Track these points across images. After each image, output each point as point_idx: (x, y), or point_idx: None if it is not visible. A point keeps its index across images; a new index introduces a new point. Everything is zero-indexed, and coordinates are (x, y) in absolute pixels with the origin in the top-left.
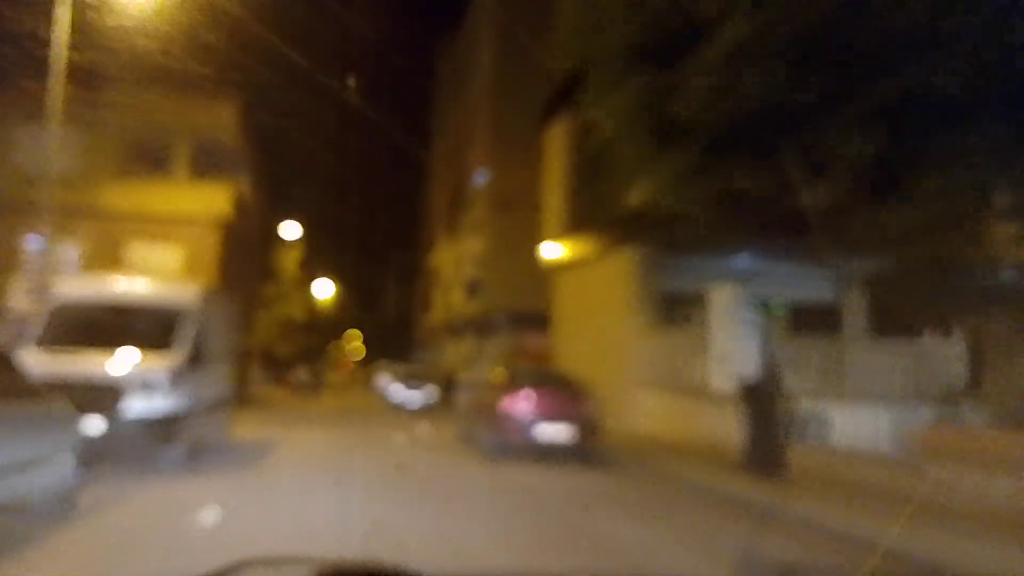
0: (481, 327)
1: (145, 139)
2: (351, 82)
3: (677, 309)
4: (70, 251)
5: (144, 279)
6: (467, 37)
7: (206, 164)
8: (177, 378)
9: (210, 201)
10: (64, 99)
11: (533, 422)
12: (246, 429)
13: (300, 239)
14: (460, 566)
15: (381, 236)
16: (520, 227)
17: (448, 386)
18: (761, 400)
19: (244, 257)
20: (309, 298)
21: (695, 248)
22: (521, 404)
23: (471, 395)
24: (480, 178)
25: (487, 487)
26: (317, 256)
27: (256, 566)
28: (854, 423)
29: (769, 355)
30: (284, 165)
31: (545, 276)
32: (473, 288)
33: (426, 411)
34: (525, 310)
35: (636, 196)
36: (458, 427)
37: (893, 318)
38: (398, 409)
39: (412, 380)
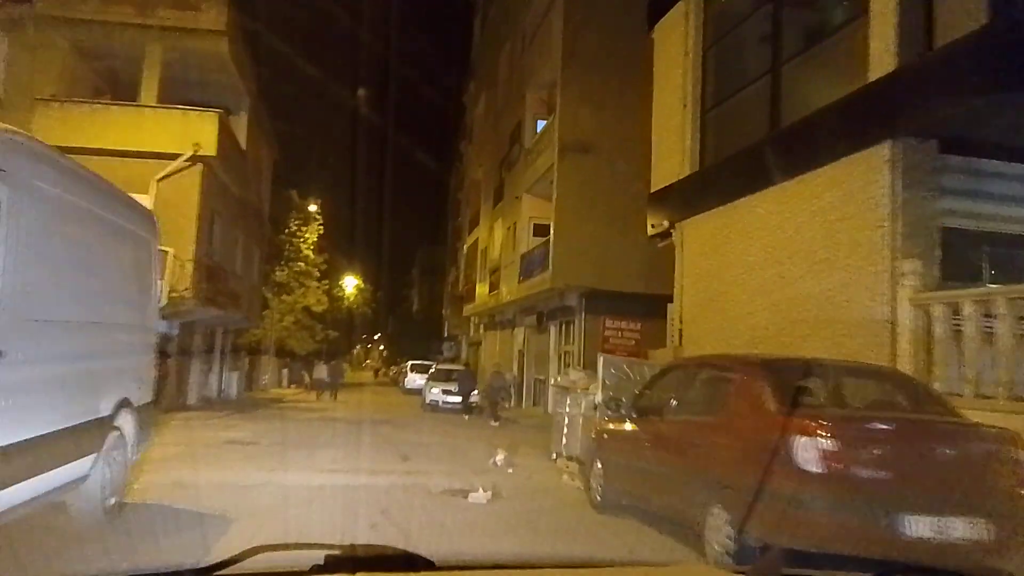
0: (542, 314)
1: (100, 51)
2: (361, 93)
3: (974, 254)
4: None
5: None
6: None
7: (183, 87)
8: None
9: (187, 132)
10: None
11: (894, 509)
12: (202, 463)
13: (318, 217)
14: (469, 554)
15: (406, 229)
16: (600, 179)
17: (468, 386)
18: None
19: (240, 221)
20: (328, 288)
21: None
22: (856, 461)
23: (626, 422)
24: (545, 121)
25: None
26: (337, 244)
27: (269, 552)
28: None
29: None
30: (296, 123)
31: (651, 234)
32: (534, 263)
33: (470, 418)
34: (606, 288)
35: None
36: (590, 475)
37: None
38: (434, 413)
39: (449, 380)
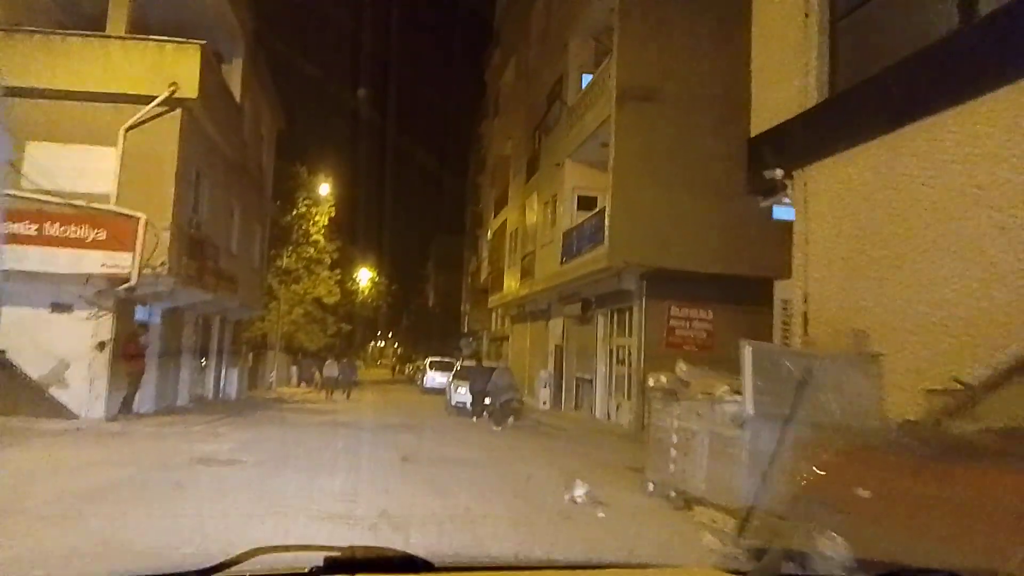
0: (587, 301)
1: None
2: (361, 93)
3: None
4: None
5: None
6: None
7: (162, 27)
8: None
9: (163, 70)
10: None
11: None
12: (138, 502)
13: (329, 199)
14: (468, 556)
15: (420, 220)
16: (667, 133)
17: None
18: None
19: (235, 189)
20: (341, 278)
21: None
22: None
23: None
24: (592, 75)
25: None
26: (349, 233)
27: (267, 554)
28: None
29: None
30: (306, 108)
31: (749, 191)
32: (582, 239)
33: (508, 424)
34: (673, 268)
35: None
36: (813, 552)
37: None
38: (460, 417)
39: (481, 379)
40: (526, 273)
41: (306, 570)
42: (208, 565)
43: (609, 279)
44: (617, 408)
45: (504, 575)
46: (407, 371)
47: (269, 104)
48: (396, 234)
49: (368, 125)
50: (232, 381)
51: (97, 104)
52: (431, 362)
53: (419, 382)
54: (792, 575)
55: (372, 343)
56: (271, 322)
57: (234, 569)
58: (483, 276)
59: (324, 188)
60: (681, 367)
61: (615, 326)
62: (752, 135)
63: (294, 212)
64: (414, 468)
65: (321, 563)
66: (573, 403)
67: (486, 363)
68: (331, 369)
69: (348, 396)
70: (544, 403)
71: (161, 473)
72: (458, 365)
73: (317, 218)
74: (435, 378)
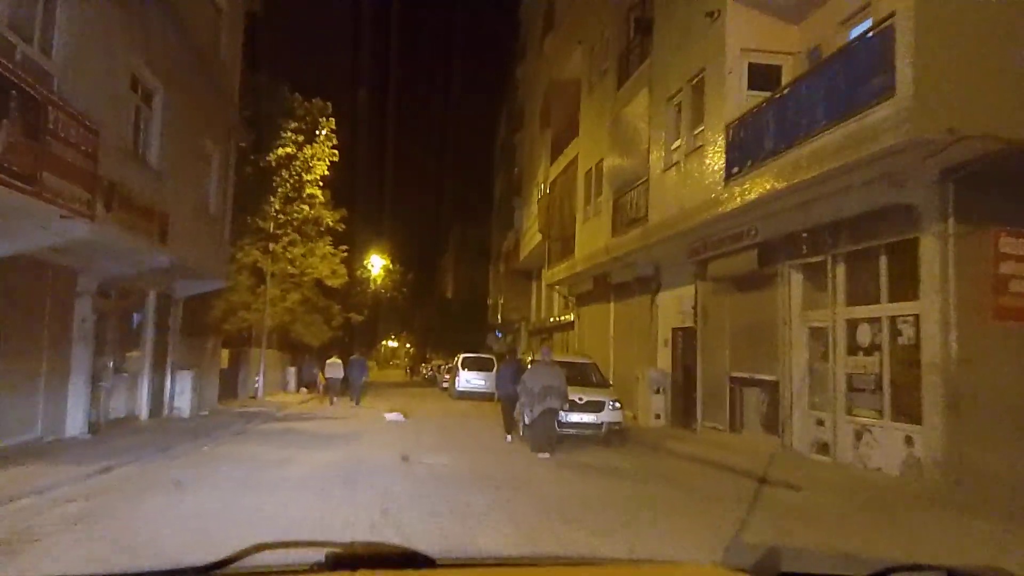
0: (765, 247)
1: None
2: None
3: None
4: None
5: None
6: None
7: None
8: None
9: None
10: None
11: None
12: None
13: (332, 137)
14: (468, 552)
15: (438, 205)
16: None
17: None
18: None
19: (149, 42)
20: (348, 254)
21: None
22: None
23: None
24: None
25: None
26: (358, 209)
27: (271, 550)
28: None
29: None
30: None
31: None
32: (810, 106)
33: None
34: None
35: None
36: None
37: None
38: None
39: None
40: (625, 221)
41: (308, 566)
42: (210, 561)
43: (859, 189)
44: (859, 438)
45: (505, 571)
46: (424, 372)
47: None
48: (409, 221)
49: (379, 99)
50: (185, 390)
51: None
52: (464, 359)
53: (444, 385)
54: (790, 572)
55: (383, 342)
56: (258, 310)
57: (236, 565)
58: (525, 252)
59: (323, 131)
60: None
61: (844, 282)
62: None
63: (277, 149)
64: None
65: (323, 559)
66: (726, 420)
67: (569, 358)
68: (334, 369)
69: (357, 403)
70: (657, 416)
71: None
72: (528, 360)
73: (313, 163)
74: (470, 380)
